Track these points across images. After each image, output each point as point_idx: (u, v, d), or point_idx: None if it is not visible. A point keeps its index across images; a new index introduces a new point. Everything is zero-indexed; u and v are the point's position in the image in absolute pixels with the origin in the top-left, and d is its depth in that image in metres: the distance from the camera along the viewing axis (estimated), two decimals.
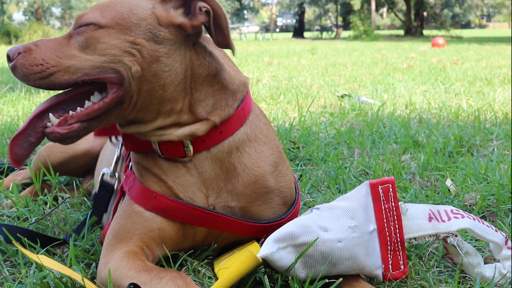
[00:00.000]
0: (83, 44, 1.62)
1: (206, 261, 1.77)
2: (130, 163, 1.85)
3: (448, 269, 1.79)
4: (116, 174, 2.04)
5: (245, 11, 54.19)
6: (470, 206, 2.35)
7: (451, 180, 2.70)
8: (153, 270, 1.55)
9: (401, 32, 45.94)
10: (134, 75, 1.61)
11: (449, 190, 2.57)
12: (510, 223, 2.13)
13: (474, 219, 1.71)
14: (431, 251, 1.90)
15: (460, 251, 1.69)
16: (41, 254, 1.81)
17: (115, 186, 2.03)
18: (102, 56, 1.60)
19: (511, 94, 5.84)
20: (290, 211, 1.82)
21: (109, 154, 2.23)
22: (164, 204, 1.69)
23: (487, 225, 1.72)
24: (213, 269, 1.75)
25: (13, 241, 1.69)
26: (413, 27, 42.65)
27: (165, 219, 1.70)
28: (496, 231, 1.72)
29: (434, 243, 1.95)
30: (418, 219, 1.69)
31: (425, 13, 46.54)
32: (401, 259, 1.66)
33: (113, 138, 2.06)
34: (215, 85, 1.72)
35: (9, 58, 1.64)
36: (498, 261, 1.74)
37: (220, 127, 1.72)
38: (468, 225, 1.68)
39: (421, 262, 1.82)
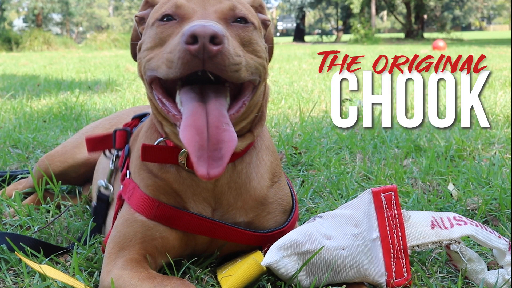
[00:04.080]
0: (244, 42, 1.58)
1: (209, 268, 1.77)
2: (128, 172, 1.85)
3: (451, 275, 1.79)
4: (110, 186, 2.04)
5: None
6: (472, 210, 2.35)
7: (453, 184, 2.70)
8: (156, 278, 1.55)
9: (402, 35, 45.94)
10: (262, 82, 1.64)
11: (451, 194, 2.57)
12: None
13: (477, 226, 1.71)
14: (434, 256, 1.90)
15: (463, 258, 1.69)
16: (44, 263, 1.81)
17: (110, 198, 2.04)
18: (259, 58, 1.60)
19: (511, 97, 5.84)
20: (290, 218, 1.82)
21: (104, 166, 2.23)
22: (167, 213, 1.69)
23: (490, 231, 1.72)
24: (216, 277, 1.75)
25: (16, 251, 1.69)
26: (413, 30, 42.67)
27: (168, 228, 1.69)
28: (499, 237, 1.72)
29: (437, 248, 1.95)
30: (421, 227, 1.69)
31: (425, 16, 46.57)
32: (404, 266, 1.66)
33: (107, 152, 2.08)
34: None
35: (215, 39, 1.41)
36: (502, 267, 1.74)
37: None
38: (471, 232, 1.69)
39: (424, 268, 1.82)
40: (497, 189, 2.48)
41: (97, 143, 2.05)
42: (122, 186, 1.84)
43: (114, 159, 2.05)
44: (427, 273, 1.79)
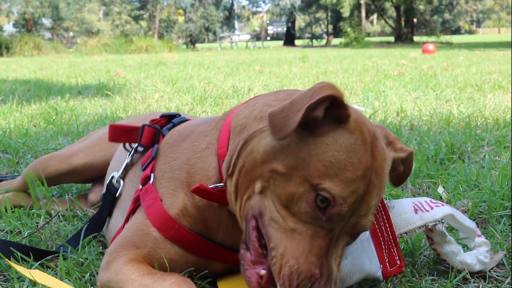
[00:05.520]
0: None
1: (210, 279, 1.75)
2: (152, 175, 1.77)
3: (440, 277, 1.79)
4: (122, 182, 2.02)
5: (235, 22, 54.31)
6: (462, 213, 2.36)
7: (443, 187, 2.71)
8: (157, 273, 1.54)
9: (392, 38, 46.09)
10: None
11: (441, 197, 2.58)
12: (502, 229, 2.15)
13: (451, 207, 1.80)
14: (423, 258, 1.91)
15: (446, 238, 1.75)
16: (34, 267, 1.81)
17: (118, 192, 2.01)
18: None
19: (511, 100, 5.87)
20: None
21: (121, 158, 2.19)
22: (185, 237, 1.64)
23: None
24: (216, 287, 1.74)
25: (6, 258, 1.68)
26: (403, 34, 42.85)
27: (180, 250, 1.66)
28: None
29: (427, 250, 1.96)
30: (405, 214, 1.75)
31: (415, 20, 46.74)
32: (396, 255, 1.70)
33: (127, 145, 2.05)
34: None
35: None
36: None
37: None
38: (450, 211, 1.77)
39: (414, 270, 1.83)
40: (487, 191, 2.50)
41: (121, 133, 2.00)
42: (142, 188, 1.77)
43: (132, 153, 2.02)
44: (418, 276, 1.80)
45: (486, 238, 2.07)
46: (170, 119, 2.03)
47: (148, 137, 1.95)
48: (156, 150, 1.86)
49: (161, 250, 1.65)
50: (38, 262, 1.87)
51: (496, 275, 1.80)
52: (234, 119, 1.64)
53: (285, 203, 1.41)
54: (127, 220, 1.79)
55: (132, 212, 1.78)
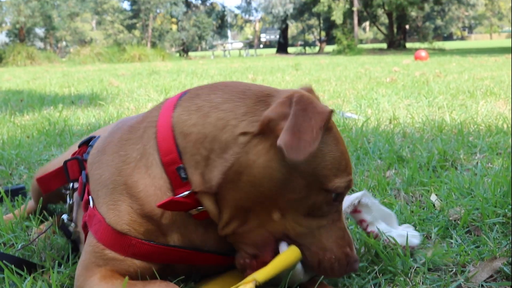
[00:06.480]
0: None
1: (193, 284, 1.76)
2: (90, 198, 1.72)
3: (433, 286, 1.80)
4: (73, 224, 1.95)
5: (228, 30, 54.40)
6: (455, 221, 2.37)
7: (436, 195, 2.72)
8: (137, 284, 1.54)
9: (384, 45, 46.22)
10: None
11: (434, 205, 2.58)
12: (495, 237, 2.16)
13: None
14: (416, 267, 1.91)
15: (374, 204, 1.98)
16: (28, 281, 1.80)
17: (72, 235, 1.98)
18: None
19: (511, 107, 5.89)
20: None
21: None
22: (144, 250, 1.62)
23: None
24: None
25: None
26: (395, 40, 42.97)
27: (143, 262, 1.63)
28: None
29: (422, 259, 1.96)
30: None
31: (407, 26, 46.91)
32: None
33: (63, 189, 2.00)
34: None
35: None
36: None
37: None
38: (364, 192, 1.99)
39: (407, 279, 1.83)
40: (479, 199, 2.51)
41: (50, 181, 1.98)
42: (86, 214, 1.73)
43: (72, 193, 1.95)
44: (411, 284, 1.80)
45: (479, 246, 2.08)
46: (88, 144, 1.99)
47: (74, 170, 1.89)
48: (85, 175, 1.82)
49: (124, 266, 1.62)
50: (32, 275, 1.87)
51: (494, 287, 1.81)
52: (177, 125, 1.61)
53: (307, 212, 1.56)
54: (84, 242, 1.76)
55: (86, 237, 1.75)
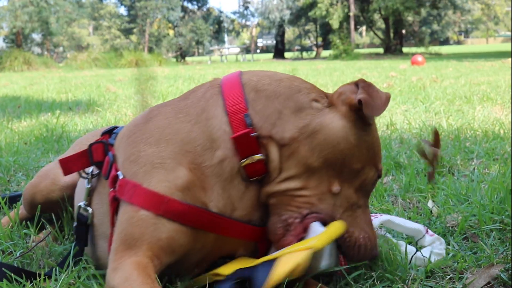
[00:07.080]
0: None
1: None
2: (119, 173, 1.73)
3: None
4: (89, 209, 1.95)
5: (225, 35, 54.43)
6: (452, 227, 2.37)
7: (433, 201, 2.72)
8: None
9: (381, 50, 46.30)
10: None
11: (431, 211, 2.59)
12: (492, 243, 2.16)
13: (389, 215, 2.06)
14: (414, 274, 1.92)
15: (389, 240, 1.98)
16: None
17: (88, 220, 1.96)
18: None
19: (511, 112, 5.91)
20: None
21: (82, 189, 2.11)
22: (176, 208, 1.62)
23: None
24: None
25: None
26: (392, 45, 43.06)
27: (176, 225, 1.63)
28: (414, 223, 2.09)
29: (419, 266, 1.96)
30: None
31: (404, 31, 47.02)
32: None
33: (83, 174, 1.99)
34: None
35: None
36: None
37: None
38: (387, 218, 2.02)
39: (405, 286, 1.84)
40: (476, 205, 2.52)
41: (73, 162, 1.95)
42: (117, 187, 1.72)
43: (91, 178, 1.96)
44: None
45: (476, 253, 2.09)
46: (111, 133, 2.02)
47: (98, 153, 1.91)
48: (112, 155, 1.83)
49: (156, 233, 1.62)
50: (31, 284, 1.87)
51: None
52: (248, 83, 1.72)
53: (359, 187, 1.70)
54: (112, 221, 1.75)
55: (115, 212, 1.74)
